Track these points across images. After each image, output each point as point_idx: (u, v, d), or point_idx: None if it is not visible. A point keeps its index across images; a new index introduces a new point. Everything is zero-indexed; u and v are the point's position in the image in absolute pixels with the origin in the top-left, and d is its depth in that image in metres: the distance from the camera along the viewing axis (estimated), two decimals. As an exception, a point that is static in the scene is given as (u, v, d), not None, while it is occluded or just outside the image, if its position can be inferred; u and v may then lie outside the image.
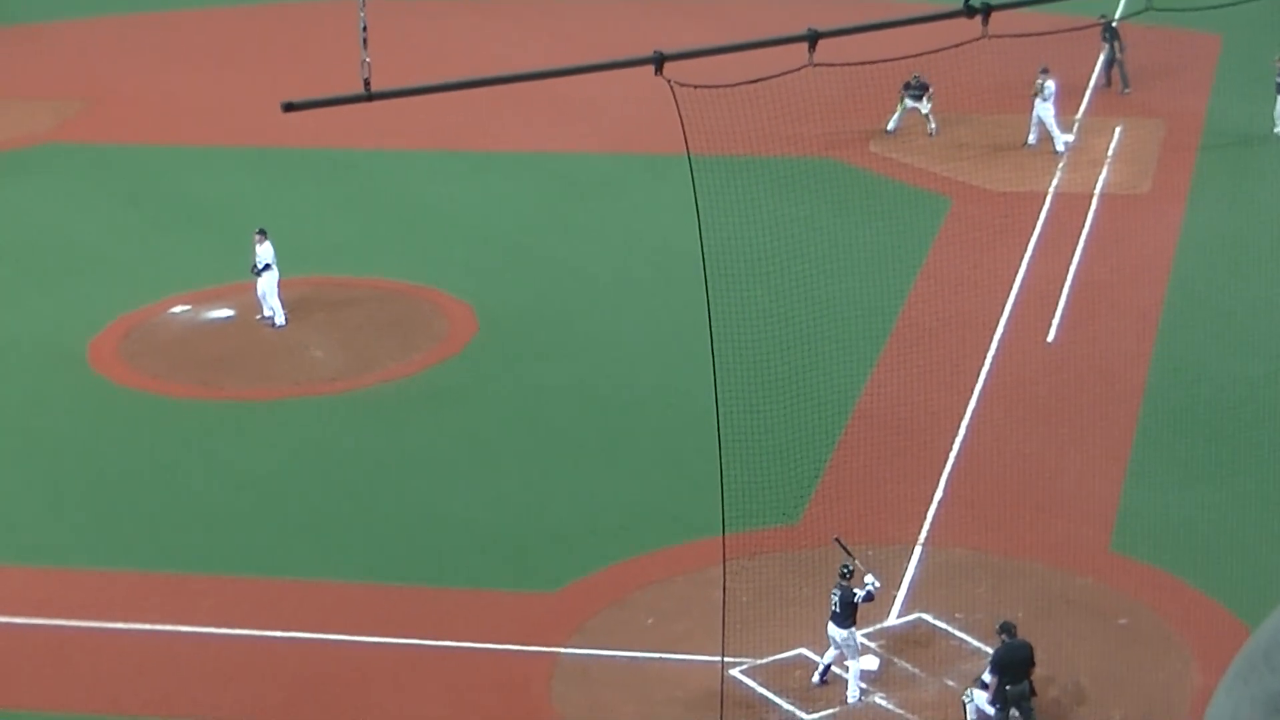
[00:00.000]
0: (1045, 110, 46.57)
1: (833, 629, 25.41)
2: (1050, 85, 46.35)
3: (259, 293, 38.34)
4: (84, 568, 29.77)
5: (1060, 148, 46.60)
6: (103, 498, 31.95)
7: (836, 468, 31.39)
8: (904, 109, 48.02)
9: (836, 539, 26.23)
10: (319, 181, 47.55)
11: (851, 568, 25.49)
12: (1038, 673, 24.66)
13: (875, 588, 25.51)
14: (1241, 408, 33.14)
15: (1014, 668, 24.21)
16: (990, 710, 24.43)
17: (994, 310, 37.57)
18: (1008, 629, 24.61)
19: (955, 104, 47.98)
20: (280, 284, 38.27)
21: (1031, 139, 47.02)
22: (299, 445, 33.63)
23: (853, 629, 25.38)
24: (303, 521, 30.88)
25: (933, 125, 47.86)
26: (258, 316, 38.50)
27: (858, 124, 47.51)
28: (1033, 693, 24.37)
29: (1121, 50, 50.93)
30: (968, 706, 24.76)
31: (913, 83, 47.26)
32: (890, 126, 48.11)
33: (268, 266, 38.12)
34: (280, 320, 38.24)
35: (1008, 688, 24.15)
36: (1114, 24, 49.85)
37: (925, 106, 47.82)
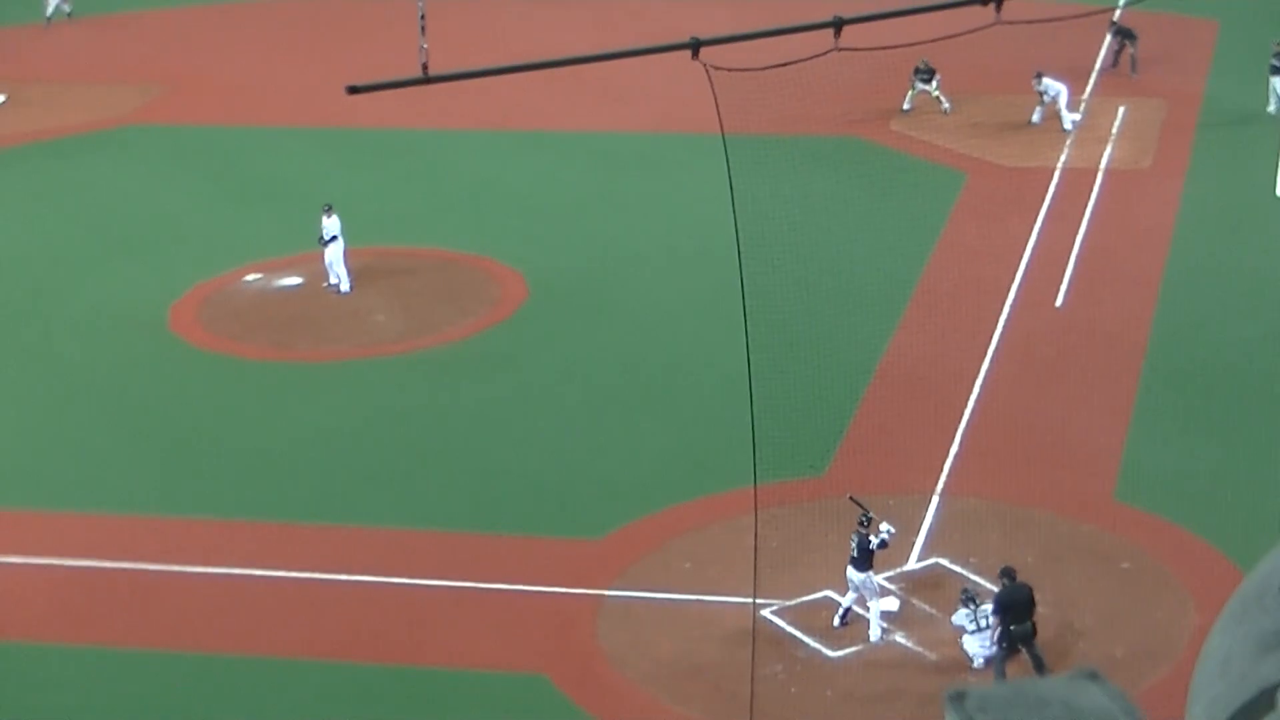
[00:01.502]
0: (1059, 98, 46.30)
1: (851, 572, 25.44)
2: (1047, 83, 46.07)
3: (326, 262, 38.38)
4: (165, 515, 29.89)
5: (1068, 126, 46.33)
6: (183, 451, 32.06)
7: (860, 423, 31.34)
8: (915, 91, 47.86)
9: (850, 496, 26.25)
10: (383, 159, 47.53)
11: (870, 517, 25.53)
12: (1046, 613, 24.64)
13: (890, 534, 25.56)
14: (1237, 366, 33.00)
15: (1016, 608, 24.17)
16: (978, 647, 24.46)
17: (1006, 277, 37.43)
18: (1008, 573, 24.62)
19: (970, 85, 47.78)
20: (346, 254, 38.30)
21: (1035, 118, 46.76)
22: (363, 402, 33.68)
23: (869, 572, 25.39)
24: (367, 473, 30.94)
25: (946, 105, 47.64)
26: (325, 284, 38.54)
27: (879, 104, 47.34)
28: (1034, 632, 24.35)
29: (1134, 44, 50.60)
30: (966, 648, 24.76)
31: (921, 67, 47.07)
32: (906, 106, 47.98)
33: (334, 238, 38.17)
34: (345, 287, 38.28)
35: (1013, 628, 24.13)
36: (1116, 19, 49.62)
37: (934, 88, 47.65)
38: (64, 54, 58.91)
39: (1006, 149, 45.30)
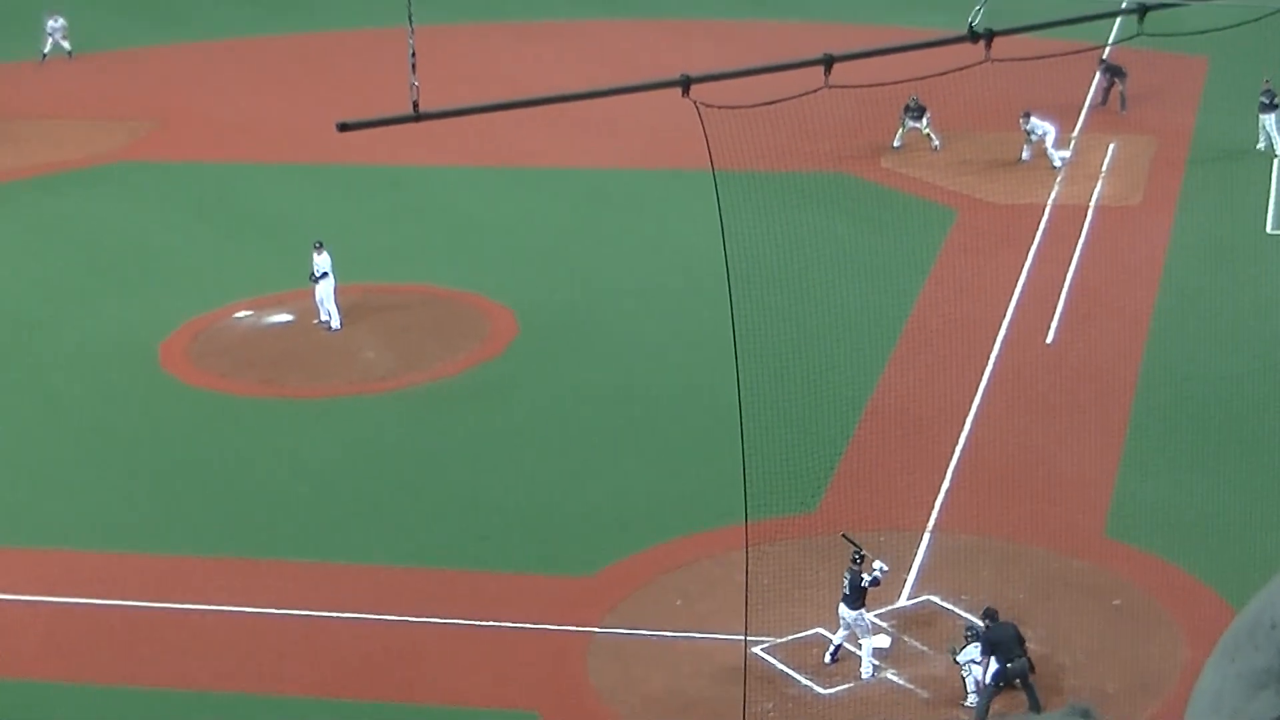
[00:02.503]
0: (1046, 137, 46.40)
1: (843, 609, 25.43)
2: (1035, 122, 46.16)
3: (316, 299, 38.37)
4: (157, 553, 29.83)
5: (1057, 164, 46.43)
6: (172, 488, 32.00)
7: (850, 459, 31.33)
8: (905, 128, 47.94)
9: (844, 535, 26.24)
10: (372, 195, 47.55)
11: (862, 554, 25.51)
12: (1038, 649, 24.58)
13: (883, 572, 25.55)
14: (1228, 402, 33.00)
15: (1004, 645, 24.15)
16: (986, 680, 24.47)
17: (997, 313, 37.47)
18: (990, 614, 24.70)
19: (959, 122, 47.87)
20: (336, 290, 38.30)
21: (1025, 155, 46.88)
22: (353, 439, 33.64)
23: (862, 610, 25.38)
24: (357, 510, 30.89)
25: (935, 142, 47.72)
26: (315, 321, 38.52)
27: (869, 141, 47.38)
28: (1031, 669, 24.32)
29: (1124, 81, 50.80)
30: (967, 680, 24.75)
31: (911, 105, 47.13)
32: (896, 144, 48.06)
33: (325, 274, 38.17)
34: (336, 324, 38.27)
35: (1007, 665, 24.09)
36: (1106, 56, 49.73)
37: (924, 126, 47.74)
38: (55, 91, 58.90)
39: (997, 186, 45.36)
